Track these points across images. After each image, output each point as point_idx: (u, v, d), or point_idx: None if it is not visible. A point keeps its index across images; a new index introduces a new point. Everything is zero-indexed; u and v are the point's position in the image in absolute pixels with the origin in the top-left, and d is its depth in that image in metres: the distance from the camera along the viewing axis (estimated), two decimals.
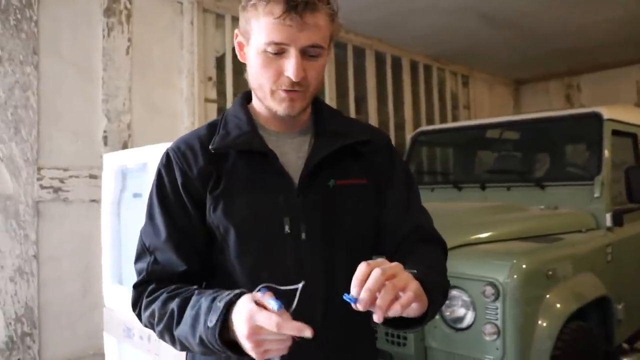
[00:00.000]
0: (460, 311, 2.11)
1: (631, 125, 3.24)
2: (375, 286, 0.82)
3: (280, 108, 1.03)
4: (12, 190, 2.90)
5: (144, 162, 2.18)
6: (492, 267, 2.07)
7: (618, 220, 2.83)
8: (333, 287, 1.04)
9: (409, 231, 1.14)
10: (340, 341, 1.07)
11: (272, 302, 0.82)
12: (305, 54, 0.99)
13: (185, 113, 3.73)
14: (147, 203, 1.11)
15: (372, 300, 0.82)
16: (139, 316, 1.06)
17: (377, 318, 0.83)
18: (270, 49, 0.98)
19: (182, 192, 1.06)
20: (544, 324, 2.05)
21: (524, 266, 2.05)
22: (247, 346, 0.84)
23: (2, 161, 2.87)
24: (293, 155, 1.10)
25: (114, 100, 3.34)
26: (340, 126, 1.15)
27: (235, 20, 3.87)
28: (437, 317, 2.14)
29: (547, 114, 3.49)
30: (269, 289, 0.87)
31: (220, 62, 4.00)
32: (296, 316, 0.82)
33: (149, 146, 2.19)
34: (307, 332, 0.80)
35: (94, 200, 3.11)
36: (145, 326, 1.06)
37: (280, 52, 0.98)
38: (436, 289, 0.96)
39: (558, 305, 2.12)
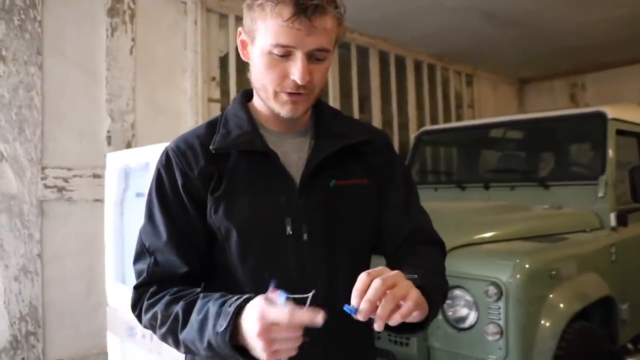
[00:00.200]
0: (463, 311, 2.10)
1: (636, 125, 3.22)
2: (375, 297, 0.83)
3: (283, 110, 1.03)
4: (17, 189, 2.91)
5: (146, 161, 2.18)
6: (495, 266, 2.06)
7: (622, 220, 2.82)
8: (334, 287, 1.04)
9: (409, 232, 1.14)
10: (341, 342, 1.06)
11: (279, 296, 0.83)
12: (312, 57, 0.98)
13: (188, 113, 3.73)
14: (145, 203, 1.11)
15: (372, 310, 0.83)
16: (139, 317, 1.05)
17: (377, 327, 0.84)
18: (276, 51, 0.97)
19: (182, 192, 1.05)
20: (547, 324, 2.04)
21: (527, 266, 2.05)
22: (258, 345, 0.83)
23: (7, 161, 2.88)
24: (294, 155, 1.10)
25: (117, 100, 3.35)
26: (340, 126, 1.14)
27: (239, 20, 3.87)
28: (440, 317, 2.14)
29: (551, 114, 3.47)
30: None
31: (223, 61, 4.00)
32: None
33: (151, 146, 2.20)
34: (319, 318, 0.80)
35: (97, 200, 3.11)
36: (145, 327, 1.05)
37: (286, 54, 0.97)
38: (436, 291, 0.97)
39: (561, 305, 2.11)
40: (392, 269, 0.90)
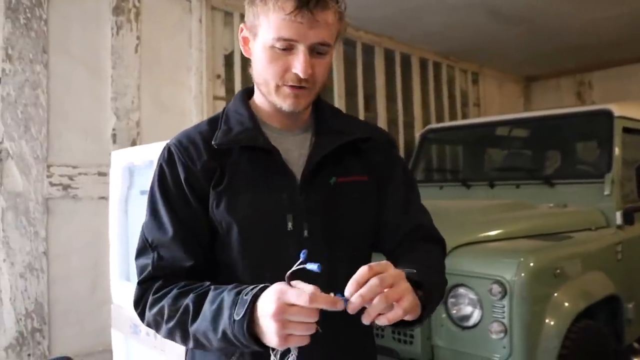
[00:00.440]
0: (467, 309, 2.10)
1: None
2: (368, 295, 0.83)
3: (285, 104, 1.03)
4: (22, 187, 2.92)
5: (150, 159, 2.19)
6: (499, 265, 2.05)
7: (629, 219, 2.80)
8: (335, 284, 1.03)
9: (410, 230, 1.14)
10: (341, 339, 1.06)
11: (311, 265, 0.83)
12: (313, 50, 0.99)
13: (193, 111, 3.74)
14: (147, 199, 1.10)
15: (363, 305, 0.83)
16: (142, 314, 1.04)
17: (364, 320, 0.85)
18: (278, 45, 0.98)
19: (184, 185, 1.05)
20: (552, 323, 2.03)
21: (531, 264, 2.04)
22: (271, 328, 0.81)
23: (12, 159, 2.90)
24: (295, 152, 1.10)
25: (122, 98, 3.36)
26: (341, 124, 1.15)
27: (243, 17, 3.86)
28: (444, 315, 2.13)
29: (557, 112, 3.46)
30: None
31: (228, 59, 4.00)
32: None
33: (155, 143, 2.20)
34: (340, 305, 0.81)
35: (103, 198, 3.12)
36: (148, 324, 1.03)
37: (288, 48, 0.98)
38: (435, 289, 0.98)
39: (566, 304, 2.10)
40: (393, 265, 0.90)
